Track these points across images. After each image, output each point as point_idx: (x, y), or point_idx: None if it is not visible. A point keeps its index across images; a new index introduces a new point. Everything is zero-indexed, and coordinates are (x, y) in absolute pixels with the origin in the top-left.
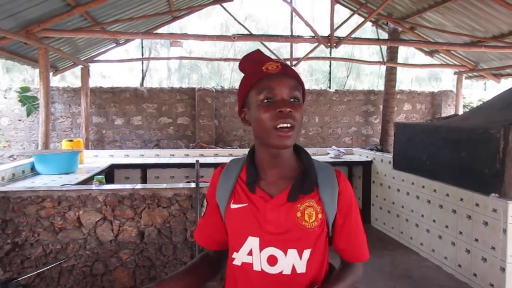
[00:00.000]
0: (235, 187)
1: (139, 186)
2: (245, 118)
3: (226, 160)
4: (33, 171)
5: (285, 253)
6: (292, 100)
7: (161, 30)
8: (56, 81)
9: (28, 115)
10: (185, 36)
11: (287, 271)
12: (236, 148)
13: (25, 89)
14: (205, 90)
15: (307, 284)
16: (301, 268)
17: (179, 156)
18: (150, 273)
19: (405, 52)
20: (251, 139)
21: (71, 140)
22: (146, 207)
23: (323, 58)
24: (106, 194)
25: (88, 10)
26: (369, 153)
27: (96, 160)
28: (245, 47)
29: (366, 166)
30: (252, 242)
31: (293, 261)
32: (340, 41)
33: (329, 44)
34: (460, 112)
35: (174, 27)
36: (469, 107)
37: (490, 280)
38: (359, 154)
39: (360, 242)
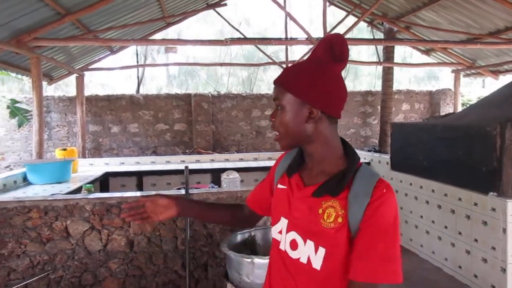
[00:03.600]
0: (287, 170)
1: (127, 194)
2: None
3: (223, 165)
4: (26, 181)
5: (305, 242)
6: (278, 108)
7: (156, 36)
8: (52, 90)
9: (19, 126)
10: (177, 41)
11: (304, 260)
12: (234, 153)
13: (14, 101)
14: (201, 96)
15: (320, 282)
16: (316, 263)
17: (175, 162)
18: (140, 283)
19: (402, 52)
20: (249, 143)
21: (64, 149)
22: None
23: None
24: (93, 203)
25: (79, 18)
26: (367, 154)
27: (91, 168)
28: (241, 52)
29: None
30: (283, 222)
31: (309, 253)
32: None
33: None
34: (459, 110)
35: (171, 33)
36: (467, 105)
37: (491, 281)
38: None
39: (376, 256)
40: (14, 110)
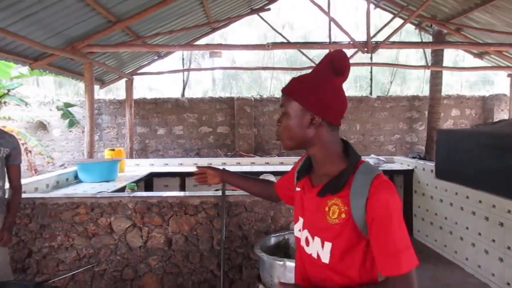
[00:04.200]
0: (297, 174)
1: (166, 193)
2: None
3: (262, 168)
4: (77, 179)
5: (313, 238)
6: (284, 114)
7: (201, 41)
8: (103, 93)
9: (69, 127)
10: (221, 46)
11: (314, 255)
12: (275, 156)
13: (67, 105)
14: (244, 99)
15: (330, 275)
16: (324, 258)
17: (217, 164)
18: (177, 280)
19: (454, 55)
20: None
21: (113, 149)
22: (173, 215)
23: (362, 64)
24: (135, 201)
25: (128, 25)
26: (410, 161)
27: (137, 168)
28: (285, 56)
29: (408, 175)
30: (300, 221)
31: (317, 249)
32: (377, 45)
33: (365, 49)
34: None
35: (216, 37)
36: None
37: None
38: (400, 163)
39: (390, 253)
40: (67, 112)
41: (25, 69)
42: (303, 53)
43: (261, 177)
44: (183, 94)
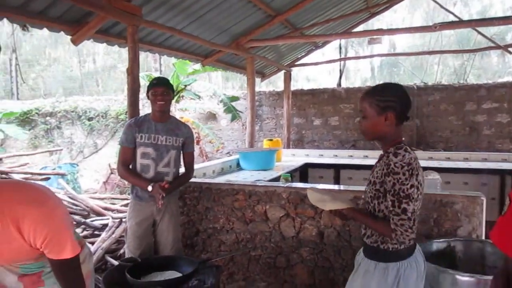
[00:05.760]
0: None
1: (319, 186)
2: None
3: (425, 164)
4: (239, 167)
5: None
6: None
7: (359, 28)
8: (264, 85)
9: (232, 120)
10: (381, 31)
11: None
12: (440, 151)
13: (232, 99)
14: (405, 88)
15: None
16: None
17: (373, 157)
18: (328, 275)
19: None
20: (459, 141)
21: (270, 140)
22: None
23: None
24: (289, 191)
25: (287, 18)
26: None
27: (293, 158)
28: (454, 37)
29: None
30: None
31: None
32: None
33: None
34: None
35: (375, 23)
36: None
37: None
38: None
39: None
40: (230, 107)
41: (197, 66)
42: (479, 32)
43: (424, 173)
44: (339, 84)
